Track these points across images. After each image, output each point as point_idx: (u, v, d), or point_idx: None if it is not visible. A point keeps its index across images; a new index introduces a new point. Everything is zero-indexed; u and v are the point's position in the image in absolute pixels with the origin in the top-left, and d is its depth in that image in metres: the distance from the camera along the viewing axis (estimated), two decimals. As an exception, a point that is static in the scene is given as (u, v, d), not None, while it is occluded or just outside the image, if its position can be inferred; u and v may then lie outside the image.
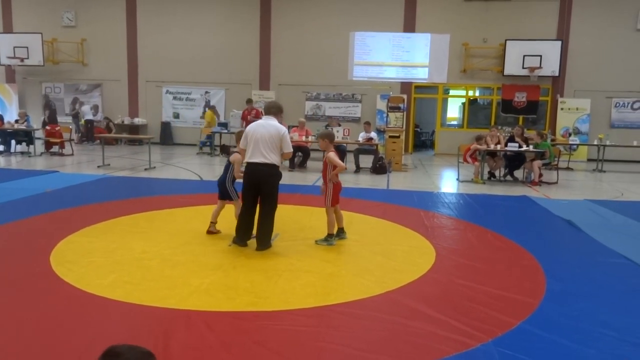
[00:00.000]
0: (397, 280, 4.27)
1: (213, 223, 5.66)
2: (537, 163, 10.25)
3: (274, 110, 5.19)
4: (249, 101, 12.99)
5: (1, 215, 6.14)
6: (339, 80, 16.13)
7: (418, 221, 6.55)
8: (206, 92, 17.06)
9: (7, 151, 12.87)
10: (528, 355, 2.99)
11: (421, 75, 15.97)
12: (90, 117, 15.98)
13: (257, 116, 12.81)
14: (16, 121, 13.40)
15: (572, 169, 13.22)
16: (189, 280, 4.15)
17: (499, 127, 13.58)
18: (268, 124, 5.04)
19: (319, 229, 6.04)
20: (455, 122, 19.84)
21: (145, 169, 10.91)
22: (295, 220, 6.47)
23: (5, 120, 13.88)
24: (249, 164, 5.00)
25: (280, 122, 5.22)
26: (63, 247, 4.94)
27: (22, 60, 16.58)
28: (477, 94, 17.78)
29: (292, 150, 5.19)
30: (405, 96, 15.90)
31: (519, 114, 15.66)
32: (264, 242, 5.04)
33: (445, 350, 3.06)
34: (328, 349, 3.05)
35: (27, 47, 16.51)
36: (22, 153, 13.01)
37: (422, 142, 19.25)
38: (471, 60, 15.51)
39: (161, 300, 3.71)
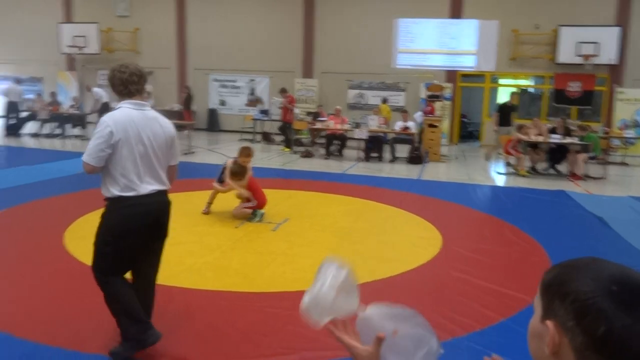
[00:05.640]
0: (389, 270, 4.21)
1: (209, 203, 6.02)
2: (582, 156, 9.67)
3: None
4: (284, 90, 13.05)
5: (35, 192, 6.57)
6: (383, 68, 15.85)
7: (436, 212, 6.38)
8: (251, 80, 17.32)
9: (62, 134, 13.68)
10: (499, 352, 2.86)
11: (468, 63, 15.41)
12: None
13: (292, 102, 12.90)
14: (71, 106, 14.20)
15: (627, 164, 12.37)
16: (183, 259, 4.28)
17: (551, 119, 12.87)
18: None
19: (329, 215, 6.05)
20: (506, 113, 19.01)
21: (185, 154, 11.26)
22: (308, 207, 6.50)
23: (65, 105, 14.80)
24: None
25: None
26: (80, 224, 5.21)
27: (80, 48, 17.49)
28: (527, 83, 16.94)
29: None
30: (451, 85, 15.49)
31: (572, 105, 14.79)
32: None
33: (413, 341, 2.99)
34: (295, 332, 3.06)
35: (85, 37, 17.38)
36: (75, 136, 13.78)
37: (469, 132, 18.62)
38: (521, 48, 14.79)
39: (152, 277, 3.84)
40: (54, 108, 13.93)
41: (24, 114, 14.01)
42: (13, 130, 13.58)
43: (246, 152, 5.99)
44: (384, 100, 14.57)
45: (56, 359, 2.66)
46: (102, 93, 13.89)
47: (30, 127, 14.00)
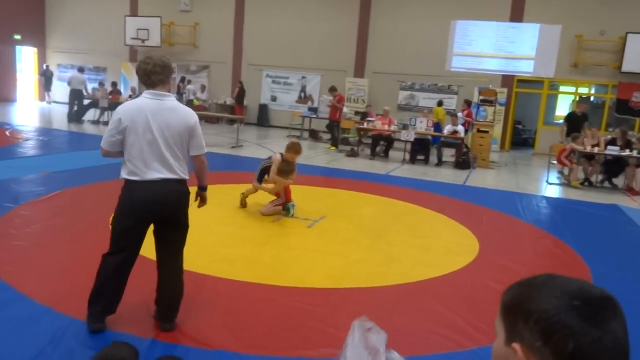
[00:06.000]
0: (422, 274, 4.17)
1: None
2: (641, 170, 9.16)
3: None
4: (333, 89, 13.05)
5: (89, 176, 6.94)
6: (436, 70, 15.59)
7: (476, 219, 6.24)
8: (303, 77, 17.48)
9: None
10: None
11: (525, 68, 14.89)
12: (191, 97, 17.11)
13: (341, 101, 12.90)
14: (129, 96, 14.85)
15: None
16: (219, 249, 4.41)
17: (612, 130, 12.26)
18: None
19: (367, 216, 6.05)
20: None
21: (232, 147, 11.54)
22: (347, 206, 6.52)
23: (125, 94, 15.53)
24: None
25: None
26: (126, 209, 5.47)
27: (142, 41, 18.24)
28: (588, 91, 16.17)
29: None
30: (506, 90, 15.02)
31: (636, 116, 14.01)
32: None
33: (434, 347, 2.97)
34: (317, 328, 3.10)
35: (147, 30, 18.11)
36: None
37: (524, 140, 17.99)
38: (584, 54, 14.14)
39: (186, 264, 3.93)
40: (114, 97, 14.63)
41: (86, 102, 14.77)
42: (76, 116, 14.36)
43: (295, 149, 5.77)
44: (440, 103, 14.28)
45: (87, 334, 2.83)
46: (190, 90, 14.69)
47: (91, 114, 14.75)
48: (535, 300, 0.76)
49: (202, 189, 3.17)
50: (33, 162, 7.90)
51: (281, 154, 5.78)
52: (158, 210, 2.81)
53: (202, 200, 3.23)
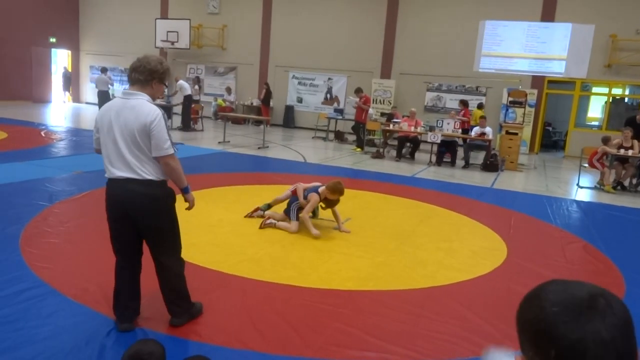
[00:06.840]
0: (448, 278, 4.13)
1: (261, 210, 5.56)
2: (678, 174, 8.86)
3: None
4: (359, 90, 13.02)
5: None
6: (464, 71, 15.41)
7: (504, 223, 6.14)
8: (329, 79, 17.51)
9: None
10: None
11: (557, 68, 14.58)
12: (196, 97, 17.15)
13: (366, 103, 12.87)
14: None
15: None
16: (246, 250, 4.46)
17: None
18: None
19: (392, 218, 6.02)
20: (597, 123, 17.79)
21: (259, 148, 11.64)
22: (372, 208, 6.50)
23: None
24: None
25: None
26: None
27: (172, 43, 18.56)
28: (622, 92, 15.71)
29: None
30: (536, 91, 14.74)
31: (673, 118, 13.53)
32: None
33: (461, 352, 2.95)
34: (342, 330, 3.11)
35: (177, 32, 18.42)
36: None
37: (554, 142, 17.61)
38: (618, 54, 13.75)
39: (214, 264, 4.06)
40: (145, 98, 14.91)
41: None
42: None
43: (340, 191, 5.09)
44: (480, 106, 13.96)
45: (118, 331, 2.90)
46: (185, 85, 14.64)
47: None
48: (522, 312, 0.82)
49: (183, 191, 3.00)
50: (66, 162, 8.13)
51: (318, 192, 5.17)
52: (121, 209, 2.81)
53: (189, 204, 3.07)
